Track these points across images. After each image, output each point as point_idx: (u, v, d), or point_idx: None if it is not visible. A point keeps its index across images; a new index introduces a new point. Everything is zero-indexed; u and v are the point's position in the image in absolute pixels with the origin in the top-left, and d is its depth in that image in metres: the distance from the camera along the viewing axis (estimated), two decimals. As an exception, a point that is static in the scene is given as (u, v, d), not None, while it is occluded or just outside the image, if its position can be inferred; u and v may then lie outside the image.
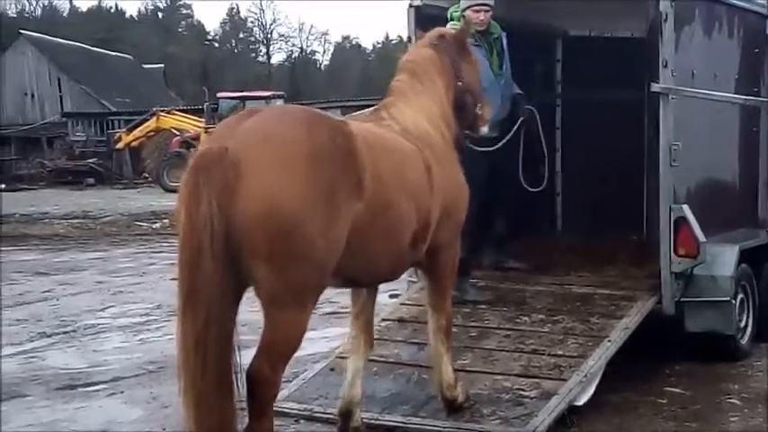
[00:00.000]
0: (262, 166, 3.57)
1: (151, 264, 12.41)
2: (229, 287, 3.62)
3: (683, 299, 6.03)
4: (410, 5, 6.56)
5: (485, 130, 5.40)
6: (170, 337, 7.80)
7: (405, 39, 6.86)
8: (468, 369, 5.37)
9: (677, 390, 5.65)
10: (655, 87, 5.83)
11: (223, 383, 3.66)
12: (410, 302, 6.34)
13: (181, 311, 3.62)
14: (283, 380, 5.98)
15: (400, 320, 6.12)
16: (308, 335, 7.55)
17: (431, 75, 4.94)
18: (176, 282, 3.66)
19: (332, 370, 5.67)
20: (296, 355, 6.81)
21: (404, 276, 6.93)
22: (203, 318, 3.57)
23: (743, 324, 6.39)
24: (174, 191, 26.90)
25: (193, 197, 3.52)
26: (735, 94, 6.76)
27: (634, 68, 7.45)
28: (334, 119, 4.16)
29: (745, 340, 6.39)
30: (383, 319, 6.24)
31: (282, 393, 5.48)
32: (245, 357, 7.02)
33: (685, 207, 5.89)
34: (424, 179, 4.45)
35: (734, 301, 6.14)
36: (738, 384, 5.75)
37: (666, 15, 5.82)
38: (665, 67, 5.83)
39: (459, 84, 5.06)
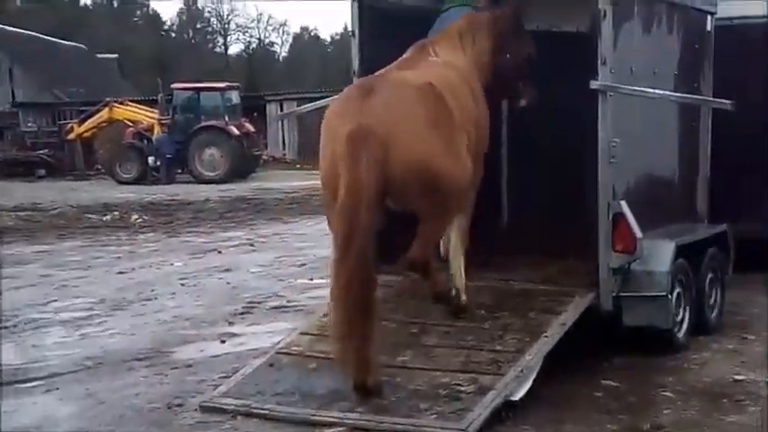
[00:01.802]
0: (402, 138, 4.87)
1: (98, 257, 12.25)
2: (374, 235, 4.78)
3: (621, 294, 6.09)
4: (353, -1, 6.53)
5: (523, 102, 6.42)
6: (112, 331, 7.75)
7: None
8: (407, 366, 5.39)
9: (613, 383, 5.71)
10: (593, 84, 5.88)
11: (367, 312, 4.80)
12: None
13: (339, 253, 4.77)
14: (222, 375, 6.03)
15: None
16: (252, 329, 7.70)
17: (480, 34, 6.03)
18: (332, 232, 4.93)
19: (271, 366, 5.64)
20: (236, 350, 6.92)
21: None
22: (356, 258, 4.70)
23: (680, 318, 6.47)
24: (126, 183, 26.74)
25: (354, 166, 4.74)
26: (674, 90, 6.82)
27: (579, 64, 7.48)
28: (424, 83, 5.22)
29: (682, 334, 6.47)
30: (324, 315, 6.22)
31: (220, 389, 5.48)
32: (186, 353, 7.02)
33: (623, 203, 5.96)
34: (472, 102, 5.67)
35: (670, 296, 6.21)
36: (673, 377, 5.82)
37: (605, 13, 5.87)
38: (604, 64, 5.88)
39: (507, 56, 6.13)
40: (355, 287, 4.76)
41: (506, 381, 5.09)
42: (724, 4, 7.67)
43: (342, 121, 4.94)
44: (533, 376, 5.24)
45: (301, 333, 6.07)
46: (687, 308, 6.56)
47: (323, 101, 7.67)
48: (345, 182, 4.75)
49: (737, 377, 5.79)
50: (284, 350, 5.82)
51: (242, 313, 8.33)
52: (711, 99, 7.16)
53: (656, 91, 6.34)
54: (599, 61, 5.89)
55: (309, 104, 8.66)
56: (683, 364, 6.12)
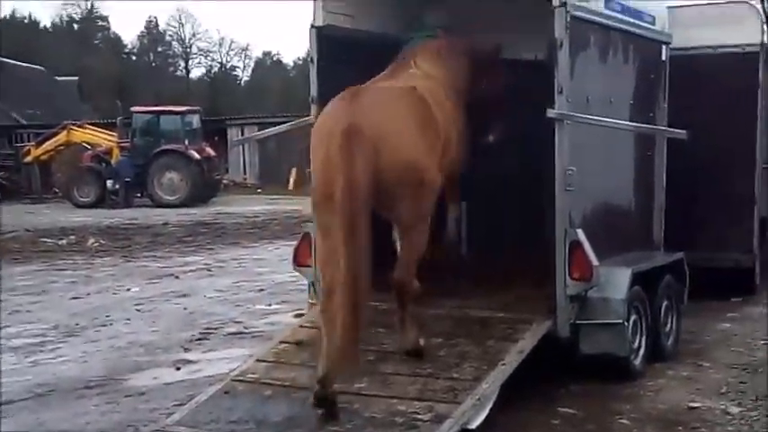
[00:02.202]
0: (391, 139, 5.07)
1: (53, 282, 12.06)
2: (370, 225, 4.88)
3: (578, 321, 6.11)
4: (312, 26, 6.55)
5: (490, 138, 6.48)
6: (64, 358, 7.61)
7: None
8: (364, 393, 5.33)
9: (570, 410, 5.71)
10: (550, 113, 5.92)
11: (366, 288, 4.92)
12: (309, 325, 6.28)
13: (343, 243, 4.81)
14: (176, 403, 5.94)
15: (299, 343, 6.05)
16: (207, 356, 7.60)
17: (458, 59, 6.17)
18: (338, 224, 4.81)
19: (226, 393, 5.55)
20: (192, 377, 6.82)
21: (306, 297, 6.90)
22: (360, 244, 4.81)
23: (636, 345, 6.49)
24: (84, 206, 26.40)
25: (351, 165, 4.83)
26: (630, 119, 6.90)
27: (539, 91, 7.54)
28: (408, 87, 5.54)
29: (638, 361, 6.49)
30: (281, 342, 6.17)
31: (173, 417, 5.37)
32: (139, 380, 6.91)
33: (579, 231, 5.99)
34: (449, 105, 5.84)
35: (627, 324, 6.23)
36: (630, 404, 5.84)
37: (561, 42, 5.92)
38: (561, 93, 5.93)
39: (483, 86, 6.25)
40: (358, 288, 4.80)
41: (463, 409, 5.04)
42: (678, 34, 7.79)
43: (334, 122, 5.05)
44: (490, 404, 5.21)
45: (257, 360, 5.99)
46: (643, 335, 6.59)
47: (282, 126, 7.66)
48: (342, 181, 4.81)
49: (692, 404, 5.82)
50: (240, 377, 5.74)
51: (198, 339, 8.23)
52: (666, 129, 7.25)
53: (613, 120, 6.41)
54: (555, 90, 5.94)
55: (268, 130, 8.64)
56: (639, 392, 6.13)
